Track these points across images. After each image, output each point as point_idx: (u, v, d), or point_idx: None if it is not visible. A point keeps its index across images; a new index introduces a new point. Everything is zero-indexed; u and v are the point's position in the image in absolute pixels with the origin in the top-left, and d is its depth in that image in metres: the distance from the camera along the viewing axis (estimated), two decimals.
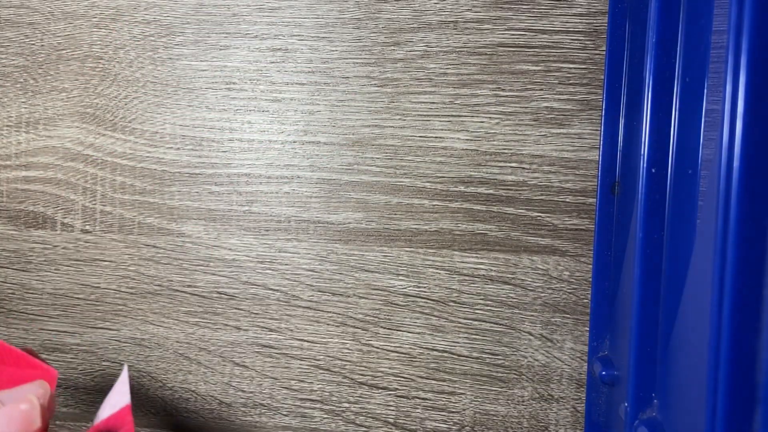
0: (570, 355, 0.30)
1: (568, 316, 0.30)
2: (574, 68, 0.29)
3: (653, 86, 0.23)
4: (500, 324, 0.30)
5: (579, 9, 0.29)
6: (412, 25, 0.30)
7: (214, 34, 0.31)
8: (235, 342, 0.32)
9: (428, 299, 0.31)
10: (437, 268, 0.31)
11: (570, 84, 0.29)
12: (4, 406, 0.22)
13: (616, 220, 0.28)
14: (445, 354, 0.31)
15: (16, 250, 0.33)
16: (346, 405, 0.32)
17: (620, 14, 0.28)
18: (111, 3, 0.32)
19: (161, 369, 0.32)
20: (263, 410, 0.32)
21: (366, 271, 0.31)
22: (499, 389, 0.31)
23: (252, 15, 0.31)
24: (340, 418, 0.32)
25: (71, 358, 0.33)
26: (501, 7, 0.30)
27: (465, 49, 0.30)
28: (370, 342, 0.31)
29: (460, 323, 0.31)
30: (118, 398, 0.24)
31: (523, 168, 0.30)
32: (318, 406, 0.32)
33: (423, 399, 0.31)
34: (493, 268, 0.30)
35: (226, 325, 0.32)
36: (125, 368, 0.24)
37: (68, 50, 0.32)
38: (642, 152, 0.23)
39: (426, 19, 0.30)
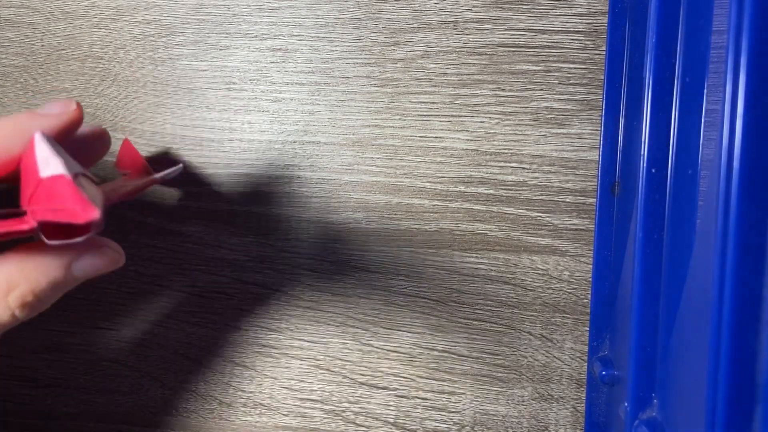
0: (570, 355, 0.30)
1: (568, 316, 0.30)
2: (574, 68, 0.29)
3: (653, 86, 0.23)
4: (500, 324, 0.30)
5: (579, 9, 0.29)
6: (412, 25, 0.30)
7: (214, 34, 0.31)
8: (235, 342, 0.32)
9: (428, 299, 0.31)
10: (437, 268, 0.31)
11: (570, 84, 0.29)
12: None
13: (616, 220, 0.28)
14: (445, 354, 0.31)
15: None
16: (346, 405, 0.32)
17: (620, 14, 0.28)
18: (111, 3, 0.32)
19: (161, 369, 0.32)
20: (263, 410, 0.32)
21: (366, 271, 0.31)
22: (499, 389, 0.31)
23: (252, 15, 0.31)
24: (340, 418, 0.32)
25: (71, 358, 0.33)
26: (501, 7, 0.30)
27: (465, 49, 0.30)
28: (370, 342, 0.31)
29: (460, 323, 0.31)
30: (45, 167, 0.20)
31: (523, 168, 0.30)
32: (318, 406, 0.32)
33: (423, 399, 0.31)
34: (493, 268, 0.30)
35: (226, 325, 0.32)
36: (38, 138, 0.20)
37: (68, 50, 0.32)
38: (642, 152, 0.23)
39: (426, 19, 0.30)
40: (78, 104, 0.23)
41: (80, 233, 0.19)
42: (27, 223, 0.18)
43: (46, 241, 0.19)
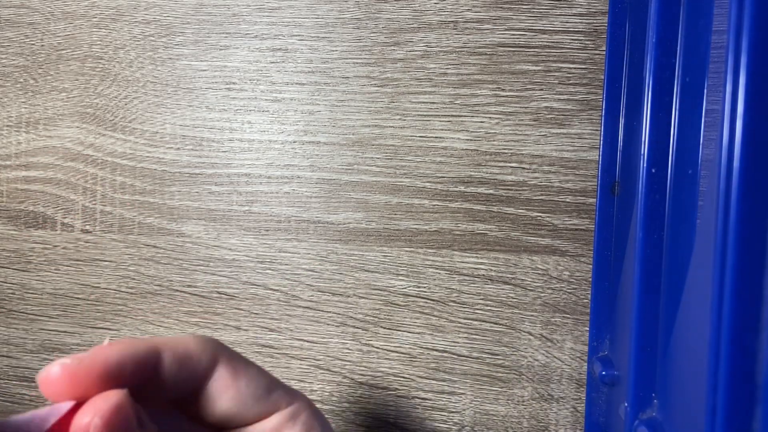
0: (570, 355, 0.30)
1: (568, 316, 0.30)
2: (574, 68, 0.29)
3: (653, 86, 0.23)
4: (500, 324, 0.30)
5: (579, 9, 0.29)
6: (412, 25, 0.30)
7: (214, 34, 0.31)
8: (235, 342, 0.32)
9: (428, 299, 0.31)
10: (437, 268, 0.31)
11: (570, 84, 0.29)
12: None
13: (616, 220, 0.28)
14: (445, 354, 0.31)
15: (16, 250, 0.33)
16: (346, 405, 0.31)
17: (620, 14, 0.28)
18: (111, 3, 0.32)
19: None
20: None
21: (366, 271, 0.31)
22: (499, 389, 0.31)
23: (252, 15, 0.31)
24: (340, 418, 0.32)
25: None
26: (501, 7, 0.30)
27: (465, 49, 0.30)
28: (370, 342, 0.31)
29: (460, 323, 0.31)
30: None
31: (523, 168, 0.30)
32: (318, 406, 0.32)
33: (423, 399, 0.31)
34: (493, 268, 0.30)
35: (226, 325, 0.32)
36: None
37: (68, 50, 0.32)
38: (642, 152, 0.23)
39: (426, 19, 0.30)
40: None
41: None
42: None
43: None
